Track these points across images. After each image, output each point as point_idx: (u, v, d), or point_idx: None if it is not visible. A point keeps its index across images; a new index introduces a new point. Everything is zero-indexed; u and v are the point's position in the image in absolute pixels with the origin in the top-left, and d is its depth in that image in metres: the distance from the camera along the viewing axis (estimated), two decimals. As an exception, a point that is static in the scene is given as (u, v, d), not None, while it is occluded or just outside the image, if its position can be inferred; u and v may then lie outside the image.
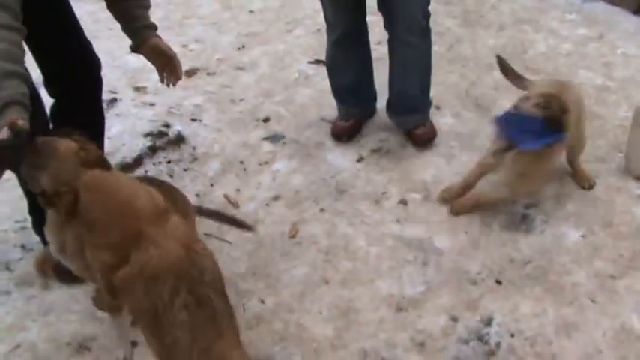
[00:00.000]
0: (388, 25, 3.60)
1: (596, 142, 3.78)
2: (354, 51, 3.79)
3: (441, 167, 3.65)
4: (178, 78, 2.88)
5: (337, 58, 3.80)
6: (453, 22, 5.10)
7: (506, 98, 4.10)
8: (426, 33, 3.57)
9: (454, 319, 2.87)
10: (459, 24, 5.08)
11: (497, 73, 4.27)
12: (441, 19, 5.04)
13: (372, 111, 3.99)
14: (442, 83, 4.23)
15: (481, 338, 2.79)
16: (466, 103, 4.15)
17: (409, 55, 3.64)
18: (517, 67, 4.24)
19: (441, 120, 4.01)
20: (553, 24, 5.12)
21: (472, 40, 4.87)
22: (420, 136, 3.81)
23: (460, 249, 3.17)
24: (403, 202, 3.45)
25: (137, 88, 4.53)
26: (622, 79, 4.35)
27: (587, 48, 4.78)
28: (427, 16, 3.52)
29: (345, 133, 3.86)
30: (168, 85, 2.90)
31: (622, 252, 3.14)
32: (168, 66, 2.84)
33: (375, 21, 3.76)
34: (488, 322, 2.86)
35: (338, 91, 3.90)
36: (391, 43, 3.67)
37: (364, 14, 3.66)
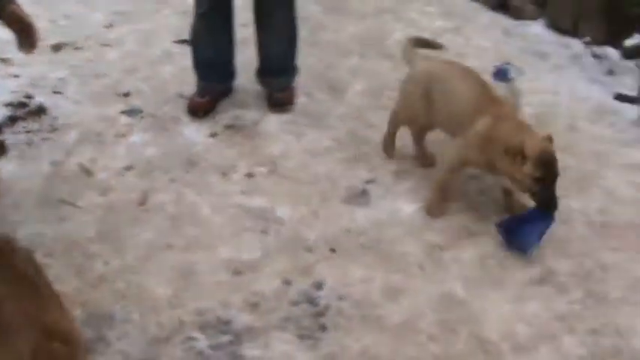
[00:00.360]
0: None
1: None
2: (218, 26, 3.99)
3: (290, 143, 3.85)
4: (32, 46, 2.96)
5: (201, 32, 3.99)
6: (318, 8, 5.31)
7: (360, 83, 4.36)
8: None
9: (287, 282, 3.05)
10: (323, 10, 5.30)
11: (355, 59, 4.52)
12: (306, 4, 5.22)
13: (229, 88, 4.17)
14: (299, 65, 4.40)
15: (312, 301, 2.97)
16: (320, 84, 4.36)
17: (277, 20, 3.98)
18: (375, 52, 4.50)
19: (295, 99, 4.18)
20: (413, 15, 5.38)
21: (335, 27, 5.09)
22: (278, 98, 4.11)
23: (300, 219, 3.36)
24: (250, 175, 3.63)
25: (2, 60, 4.54)
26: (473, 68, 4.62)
27: (443, 38, 5.04)
28: None
29: (201, 108, 4.01)
30: (25, 53, 2.98)
31: (451, 225, 3.38)
32: (24, 33, 2.92)
33: (243, 4, 4.03)
34: (320, 286, 3.04)
35: (198, 65, 4.07)
36: (259, 8, 3.95)
37: None
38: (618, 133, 4.13)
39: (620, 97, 4.64)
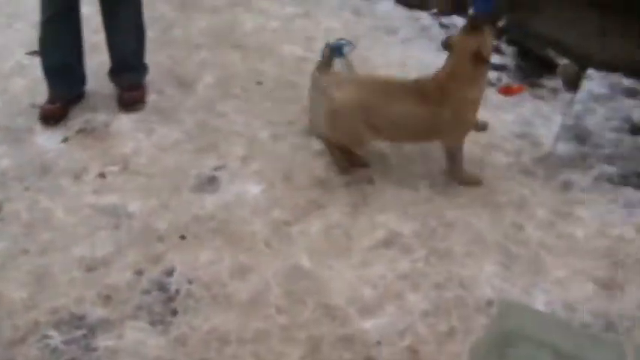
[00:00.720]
0: None
1: (289, 107, 4.21)
2: (65, 31, 4.07)
3: (141, 140, 3.97)
4: None
5: (47, 38, 4.05)
6: (168, 7, 5.42)
7: (209, 75, 4.51)
8: None
9: (139, 273, 3.18)
10: (174, 9, 5.41)
11: (204, 53, 4.66)
12: (157, 5, 5.35)
13: (80, 93, 4.25)
14: (150, 64, 4.52)
15: (162, 288, 3.12)
16: (170, 80, 4.49)
17: (122, 20, 4.13)
18: (225, 45, 4.64)
19: (146, 97, 4.30)
20: (264, 4, 5.56)
21: (185, 23, 5.22)
22: (129, 97, 4.25)
23: (151, 211, 3.50)
24: (102, 175, 3.74)
25: None
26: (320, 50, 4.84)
27: (294, 24, 5.25)
28: None
29: (53, 115, 4.10)
30: None
31: (298, 201, 3.58)
32: None
33: (97, 9, 4.15)
34: (170, 273, 3.19)
35: (48, 72, 4.15)
36: (103, 9, 4.10)
37: None
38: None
39: None
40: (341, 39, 3.90)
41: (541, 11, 5.16)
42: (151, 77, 4.47)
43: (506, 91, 4.61)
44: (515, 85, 4.67)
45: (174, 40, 4.99)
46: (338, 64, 3.72)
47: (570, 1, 5.10)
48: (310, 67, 4.44)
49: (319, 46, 4.66)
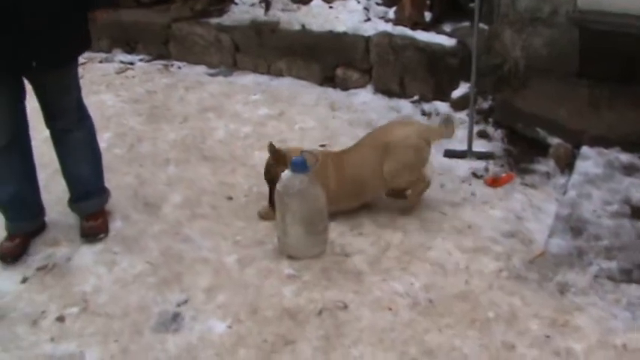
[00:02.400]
0: (48, 122, 3.89)
1: (260, 223, 4.01)
2: (16, 162, 3.90)
3: (102, 275, 3.77)
4: None
5: (0, 169, 3.87)
6: (138, 120, 5.29)
7: (177, 193, 4.32)
8: (82, 119, 3.95)
9: None
10: (143, 121, 5.27)
11: (171, 168, 4.49)
12: (126, 118, 5.22)
13: (40, 226, 4.06)
14: (117, 187, 4.37)
15: None
16: (136, 203, 4.31)
17: (73, 143, 3.96)
18: (195, 157, 4.48)
19: (111, 225, 4.11)
20: (237, 107, 5.42)
21: (154, 136, 5.07)
22: (90, 228, 4.05)
23: (109, 359, 3.26)
24: (60, 319, 3.53)
25: None
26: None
27: (267, 127, 5.08)
28: (80, 104, 3.93)
29: (11, 254, 3.91)
30: None
31: (266, 337, 3.32)
32: None
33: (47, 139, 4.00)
34: None
35: (3, 206, 3.97)
36: (54, 136, 3.94)
37: (26, 125, 3.88)
38: (449, 195, 4.24)
39: (450, 153, 4.68)
40: (303, 152, 3.71)
41: (528, 87, 4.96)
42: (117, 200, 4.32)
43: (495, 182, 4.40)
44: (504, 175, 4.44)
45: (142, 156, 4.85)
46: (297, 179, 3.51)
47: (558, 74, 4.89)
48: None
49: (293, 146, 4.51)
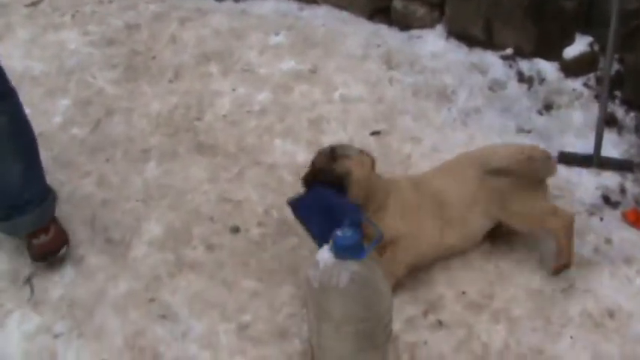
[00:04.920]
0: None
1: (285, 284, 2.64)
2: None
3: None
4: None
5: None
6: (110, 75, 3.80)
7: (156, 216, 3.00)
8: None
9: None
10: (118, 78, 3.77)
11: (151, 167, 3.10)
12: (93, 73, 3.74)
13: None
14: (68, 199, 2.98)
15: None
16: (94, 236, 2.92)
17: None
18: (186, 144, 3.30)
19: (56, 273, 2.81)
20: (251, 55, 3.97)
21: (130, 106, 3.61)
22: (42, 247, 2.80)
23: None
24: None
25: None
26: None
27: (293, 94, 3.63)
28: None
29: None
30: None
31: None
32: None
33: None
34: None
35: None
36: None
37: None
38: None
39: (566, 158, 3.22)
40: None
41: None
42: (72, 227, 2.97)
43: (634, 216, 2.91)
44: (650, 205, 2.98)
45: (110, 141, 3.42)
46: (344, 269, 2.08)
47: None
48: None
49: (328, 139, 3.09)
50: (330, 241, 2.14)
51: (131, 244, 2.90)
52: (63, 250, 2.83)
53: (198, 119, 3.52)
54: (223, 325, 2.59)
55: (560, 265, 2.65)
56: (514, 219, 2.69)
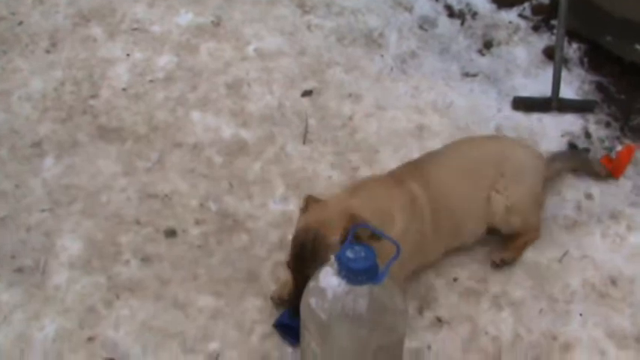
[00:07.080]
0: None
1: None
2: None
3: None
4: None
5: None
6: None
7: (70, 228, 2.49)
8: None
9: None
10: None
11: (48, 164, 2.61)
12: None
13: None
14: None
15: None
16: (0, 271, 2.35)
17: None
18: (86, 130, 2.89)
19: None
20: (138, 10, 3.42)
21: (4, 88, 3.03)
22: None
23: None
24: None
25: None
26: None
27: (200, 53, 3.14)
28: None
29: None
30: None
31: None
32: None
33: None
34: None
35: None
36: None
37: None
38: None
39: (522, 103, 3.06)
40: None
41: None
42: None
43: (611, 163, 2.69)
44: (620, 148, 2.75)
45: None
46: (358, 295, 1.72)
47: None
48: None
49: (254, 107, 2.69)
50: (335, 263, 1.74)
51: (48, 270, 2.40)
52: None
53: (94, 96, 2.98)
54: (188, 358, 2.14)
55: (503, 259, 2.44)
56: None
